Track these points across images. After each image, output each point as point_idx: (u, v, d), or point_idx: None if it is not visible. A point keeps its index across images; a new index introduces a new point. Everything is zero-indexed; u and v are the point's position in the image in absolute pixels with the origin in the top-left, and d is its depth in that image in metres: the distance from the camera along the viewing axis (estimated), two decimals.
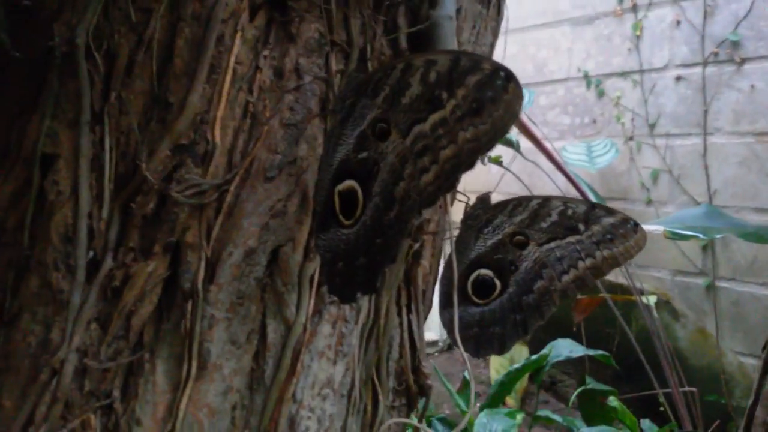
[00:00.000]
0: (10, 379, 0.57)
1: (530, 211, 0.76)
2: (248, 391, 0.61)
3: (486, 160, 1.09)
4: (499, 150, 2.43)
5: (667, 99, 2.45)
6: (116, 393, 0.57)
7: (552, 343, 2.13)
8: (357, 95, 0.58)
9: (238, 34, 0.61)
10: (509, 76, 0.49)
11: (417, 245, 0.71)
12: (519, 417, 1.95)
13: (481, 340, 0.76)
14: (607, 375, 2.46)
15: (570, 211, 0.75)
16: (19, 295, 0.59)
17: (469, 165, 0.52)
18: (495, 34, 0.82)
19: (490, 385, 2.32)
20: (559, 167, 2.17)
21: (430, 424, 1.90)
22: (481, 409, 2.00)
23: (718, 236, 1.42)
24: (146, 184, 0.58)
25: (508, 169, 2.30)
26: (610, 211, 0.75)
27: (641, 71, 2.51)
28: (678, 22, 2.37)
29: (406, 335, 0.72)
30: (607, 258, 0.74)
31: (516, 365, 2.15)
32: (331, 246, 0.58)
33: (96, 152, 0.59)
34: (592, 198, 2.16)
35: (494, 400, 2.10)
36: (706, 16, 2.30)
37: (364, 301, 0.66)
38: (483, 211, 0.77)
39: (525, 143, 2.15)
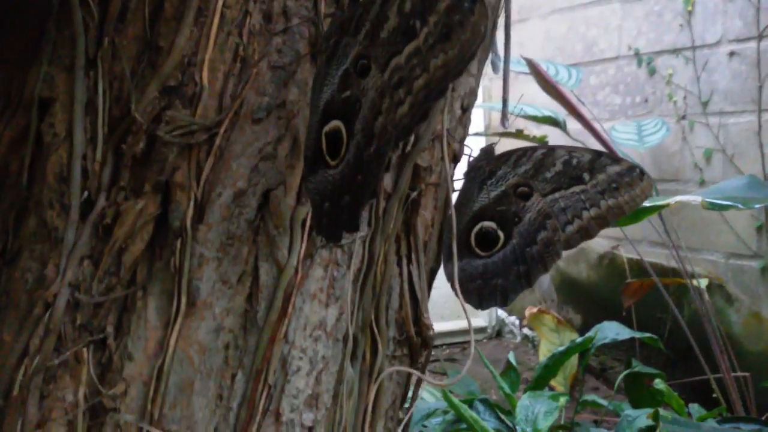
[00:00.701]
0: (10, 314, 0.60)
1: (534, 161, 0.75)
2: (242, 331, 0.63)
3: (507, 123, 1.08)
4: (546, 129, 2.40)
5: (721, 75, 2.37)
6: (110, 329, 0.59)
7: (598, 325, 2.10)
8: (341, 33, 0.59)
9: None
10: None
11: (414, 194, 0.71)
12: (562, 400, 1.91)
13: (483, 292, 0.75)
14: (659, 361, 2.40)
15: (575, 161, 0.74)
16: (19, 235, 0.61)
17: (440, 93, 0.52)
18: None
19: None
20: (608, 147, 2.13)
21: (471, 405, 1.89)
22: (525, 391, 1.98)
23: (757, 206, 1.37)
24: (136, 124, 0.59)
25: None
26: (616, 160, 0.73)
27: (693, 48, 2.43)
28: None
29: (406, 285, 0.72)
30: (612, 207, 0.73)
31: (561, 348, 2.12)
32: (320, 188, 0.59)
33: (90, 96, 0.61)
34: None
35: (538, 383, 2.07)
36: None
37: (357, 246, 0.67)
38: (486, 162, 0.76)
39: (574, 124, 2.12)
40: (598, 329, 2.09)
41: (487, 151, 0.77)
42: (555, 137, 2.32)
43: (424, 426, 1.80)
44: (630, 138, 2.38)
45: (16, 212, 0.62)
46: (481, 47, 0.79)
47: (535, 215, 0.74)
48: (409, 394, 0.78)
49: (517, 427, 1.80)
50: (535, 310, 2.64)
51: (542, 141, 2.27)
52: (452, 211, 0.71)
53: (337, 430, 0.66)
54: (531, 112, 2.30)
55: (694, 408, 1.99)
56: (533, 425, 1.81)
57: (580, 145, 2.19)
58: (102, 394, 0.58)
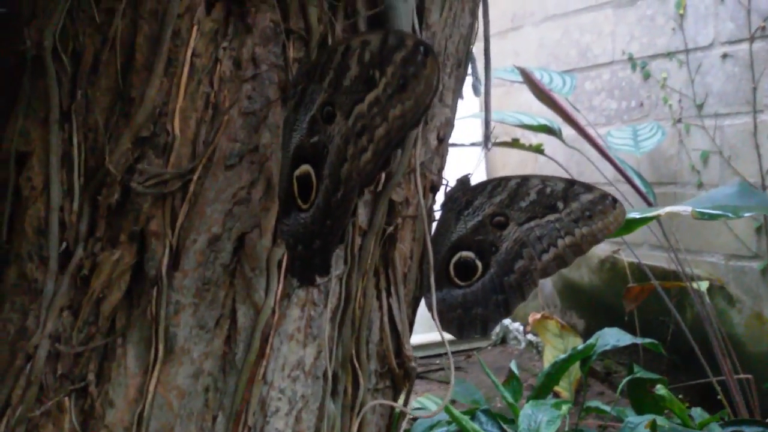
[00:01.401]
0: None
1: (509, 190, 0.76)
2: (221, 373, 0.63)
3: (490, 145, 1.09)
4: (542, 138, 2.40)
5: (714, 78, 2.37)
6: (91, 377, 0.60)
7: (599, 332, 2.10)
8: (307, 80, 0.60)
9: (195, 28, 0.63)
10: (427, 51, 0.50)
11: (391, 228, 0.71)
12: (565, 408, 1.92)
13: (464, 321, 0.76)
14: (662, 364, 2.40)
15: (548, 189, 0.75)
16: (1, 287, 0.62)
17: (399, 142, 0.53)
18: (473, 15, 0.81)
19: None
20: (603, 153, 2.14)
21: (473, 417, 1.90)
22: (528, 400, 1.98)
23: (747, 215, 1.37)
24: (110, 176, 0.60)
25: (552, 159, 2.28)
26: (589, 188, 0.74)
27: (686, 51, 2.43)
28: None
29: (386, 318, 0.73)
30: (586, 235, 0.74)
31: (562, 356, 2.12)
32: (293, 230, 0.60)
33: (66, 148, 0.62)
34: (639, 184, 2.11)
35: (541, 390, 2.07)
36: None
37: (334, 284, 0.68)
38: (462, 192, 0.77)
39: (570, 131, 2.12)
40: (599, 336, 2.10)
41: (463, 182, 0.78)
42: (551, 145, 2.33)
43: None
44: (626, 143, 2.38)
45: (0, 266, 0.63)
46: (455, 75, 0.81)
47: (511, 244, 0.75)
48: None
49: None
50: (538, 316, 2.64)
51: (538, 149, 2.28)
52: (429, 245, 0.72)
53: None
54: (526, 120, 2.31)
55: (697, 412, 1.99)
56: None
57: (576, 152, 2.20)
58: None
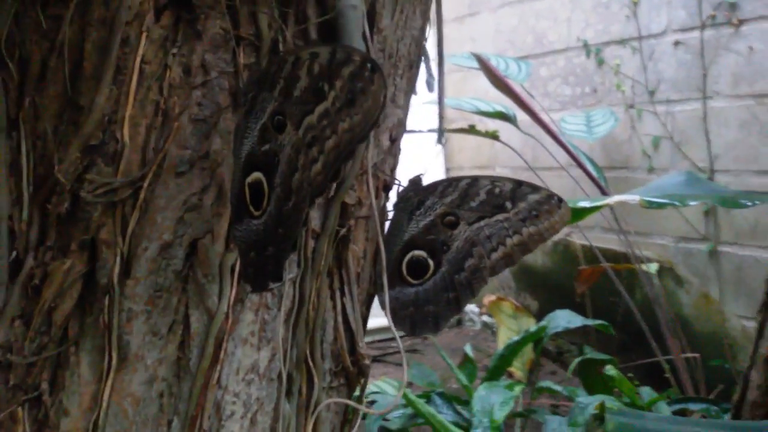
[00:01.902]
0: None
1: (460, 191, 0.77)
2: (176, 379, 0.64)
3: (444, 140, 1.10)
4: (499, 123, 2.42)
5: (666, 65, 2.41)
6: (44, 386, 0.60)
7: (550, 314, 2.15)
8: (258, 88, 0.60)
9: (144, 35, 0.63)
10: (374, 67, 0.50)
11: (344, 230, 0.72)
12: (518, 389, 1.96)
13: (416, 318, 0.77)
14: (613, 344, 2.46)
15: (497, 190, 0.76)
16: None
17: (349, 154, 0.54)
18: (424, 17, 0.82)
19: None
20: (556, 138, 2.17)
21: (429, 400, 1.93)
22: (482, 381, 2.02)
23: (694, 203, 1.42)
24: (59, 185, 0.60)
25: (507, 145, 2.30)
26: (535, 188, 0.76)
27: (640, 38, 2.47)
28: None
29: (340, 318, 0.74)
30: (533, 234, 0.75)
31: (515, 338, 2.16)
32: (245, 237, 0.60)
33: (14, 156, 0.62)
34: (590, 168, 2.15)
35: (495, 372, 2.12)
36: None
37: (288, 288, 0.68)
38: (414, 193, 0.78)
39: (525, 116, 2.15)
40: (551, 318, 2.15)
41: (415, 182, 0.79)
42: (507, 130, 2.35)
43: (385, 420, 1.84)
44: (579, 129, 2.42)
45: None
46: (407, 76, 0.81)
47: (462, 243, 0.77)
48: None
49: (473, 419, 1.84)
50: (493, 297, 2.68)
51: (494, 135, 2.30)
52: (382, 246, 0.73)
53: None
54: (482, 107, 2.33)
55: (646, 391, 2.05)
56: (490, 416, 1.85)
57: (530, 137, 2.22)
58: None
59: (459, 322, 3.11)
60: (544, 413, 2.16)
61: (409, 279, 0.77)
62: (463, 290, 0.77)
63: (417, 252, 0.77)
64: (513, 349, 2.11)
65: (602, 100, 2.65)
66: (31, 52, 0.63)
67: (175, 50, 0.64)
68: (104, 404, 0.60)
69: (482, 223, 0.76)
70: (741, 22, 2.18)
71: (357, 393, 0.78)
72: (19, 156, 0.61)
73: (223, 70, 0.64)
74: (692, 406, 1.93)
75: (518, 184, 0.76)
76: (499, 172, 2.99)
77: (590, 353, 2.08)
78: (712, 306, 2.30)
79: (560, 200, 0.75)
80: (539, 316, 2.65)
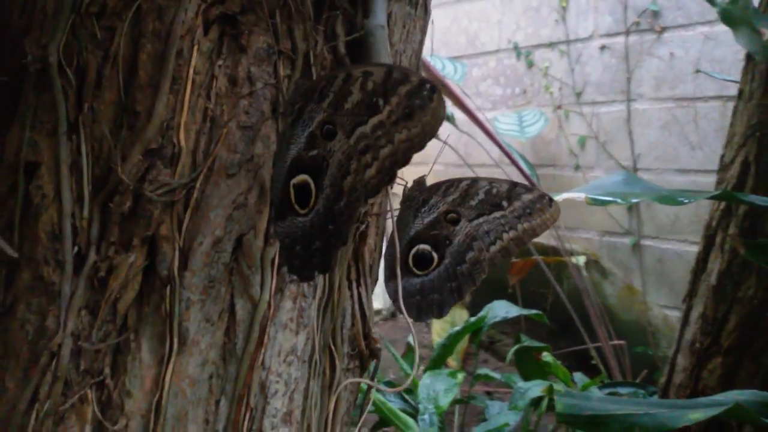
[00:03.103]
0: (11, 363, 0.66)
1: (461, 191, 0.87)
2: (222, 362, 0.71)
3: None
4: None
5: (593, 68, 2.60)
6: (107, 370, 0.67)
7: (489, 305, 2.28)
8: (305, 100, 0.68)
9: (195, 48, 0.70)
10: (433, 88, 0.60)
11: (363, 226, 0.81)
12: (460, 376, 2.09)
13: (422, 306, 0.87)
14: (542, 333, 2.63)
15: (495, 190, 0.87)
16: (13, 289, 0.67)
17: (405, 161, 0.63)
18: (423, 32, 0.92)
19: (433, 348, 2.47)
20: (492, 137, 2.31)
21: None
22: (425, 371, 2.14)
23: (635, 201, 1.57)
24: (122, 185, 0.66)
25: (444, 142, 2.42)
26: (529, 189, 0.87)
27: (568, 41, 2.65)
28: None
29: (356, 306, 0.83)
30: (527, 229, 0.86)
31: (456, 328, 2.29)
32: (289, 232, 0.68)
33: (74, 158, 0.67)
34: (524, 166, 2.30)
35: (437, 361, 2.24)
36: None
37: (319, 278, 0.77)
38: (419, 192, 0.88)
39: (460, 115, 2.27)
40: (489, 308, 2.28)
41: (420, 183, 0.88)
42: (443, 128, 2.47)
43: None
44: (512, 129, 2.57)
45: (7, 267, 0.67)
46: None
47: (463, 238, 0.87)
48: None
49: (420, 405, 1.95)
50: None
51: None
52: (397, 241, 0.82)
53: None
54: None
55: (578, 376, 2.22)
56: (435, 402, 1.97)
57: (467, 136, 2.35)
58: (107, 429, 0.65)
59: (393, 315, 3.23)
60: (484, 399, 2.30)
61: (415, 270, 0.87)
62: (464, 280, 0.87)
63: (422, 246, 0.87)
64: (454, 339, 2.23)
65: (531, 101, 2.81)
66: (88, 61, 0.68)
67: (220, 62, 0.71)
68: (166, 386, 0.67)
69: (481, 219, 0.87)
70: (663, 29, 2.38)
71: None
72: (79, 158, 0.67)
73: (267, 81, 0.72)
74: (621, 390, 2.10)
75: (513, 185, 0.87)
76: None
77: (527, 341, 2.23)
78: (635, 296, 2.51)
79: (551, 200, 0.86)
80: (472, 308, 2.80)
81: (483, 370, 2.32)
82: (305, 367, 0.77)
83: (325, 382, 0.80)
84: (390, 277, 0.86)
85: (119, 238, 0.67)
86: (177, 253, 0.68)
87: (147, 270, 0.68)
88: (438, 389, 2.01)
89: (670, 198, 1.44)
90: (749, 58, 1.81)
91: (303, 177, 0.68)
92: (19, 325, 0.66)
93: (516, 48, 2.80)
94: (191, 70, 0.69)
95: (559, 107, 2.70)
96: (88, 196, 0.67)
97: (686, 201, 1.39)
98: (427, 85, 0.59)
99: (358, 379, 0.84)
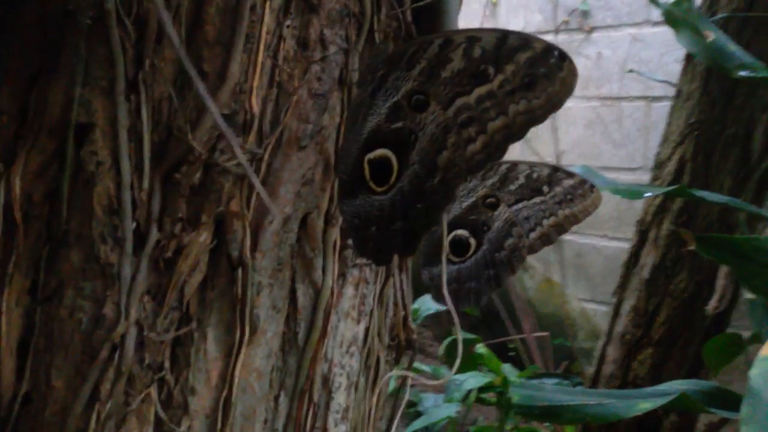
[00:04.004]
0: (57, 358, 0.57)
1: (500, 174, 0.85)
2: (281, 353, 0.65)
3: None
4: None
5: None
6: (167, 364, 0.59)
7: (420, 299, 2.28)
8: (388, 67, 0.63)
9: (267, 3, 0.63)
10: (563, 55, 0.56)
11: None
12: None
13: (459, 294, 0.84)
14: (464, 326, 2.65)
15: (535, 175, 0.85)
16: (57, 271, 0.58)
17: (520, 135, 0.59)
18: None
19: None
20: None
21: None
22: None
23: None
24: (192, 154, 0.59)
25: None
26: (569, 174, 0.85)
27: None
28: None
29: (398, 293, 0.79)
30: (568, 216, 0.85)
31: None
32: (361, 212, 0.63)
33: (132, 121, 0.59)
34: None
35: None
36: None
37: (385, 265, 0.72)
38: None
39: None
40: (421, 302, 2.28)
41: None
42: None
43: None
44: None
45: (51, 246, 0.58)
46: None
47: (502, 224, 0.84)
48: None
49: None
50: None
51: None
52: (444, 225, 0.79)
53: None
54: None
55: (507, 368, 2.26)
56: None
57: None
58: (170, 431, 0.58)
59: None
60: (416, 393, 2.29)
61: (452, 257, 0.84)
62: (502, 267, 0.84)
63: (460, 231, 0.84)
64: None
65: None
66: (148, 10, 0.60)
67: (288, 22, 0.65)
68: (235, 380, 0.60)
69: (521, 205, 0.85)
70: (592, 29, 2.46)
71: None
72: (138, 121, 0.59)
73: (340, 46, 0.66)
74: (546, 381, 2.16)
75: (554, 169, 0.85)
76: None
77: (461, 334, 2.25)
78: (554, 289, 2.58)
79: (592, 186, 0.85)
80: None
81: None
82: (360, 359, 0.72)
83: (370, 374, 0.75)
84: (426, 263, 0.82)
85: (187, 213, 0.60)
86: (248, 231, 0.61)
87: (213, 251, 0.61)
88: None
89: (632, 191, 1.48)
90: (689, 58, 1.89)
91: (382, 151, 0.63)
92: (67, 313, 0.57)
93: None
94: (264, 28, 0.62)
95: None
96: (148, 166, 0.59)
97: (648, 194, 1.44)
98: (556, 52, 0.56)
99: (402, 372, 0.79)
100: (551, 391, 1.70)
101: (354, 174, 0.63)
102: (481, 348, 2.19)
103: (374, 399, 0.76)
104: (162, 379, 0.59)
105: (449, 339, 2.25)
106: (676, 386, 1.48)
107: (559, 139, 2.51)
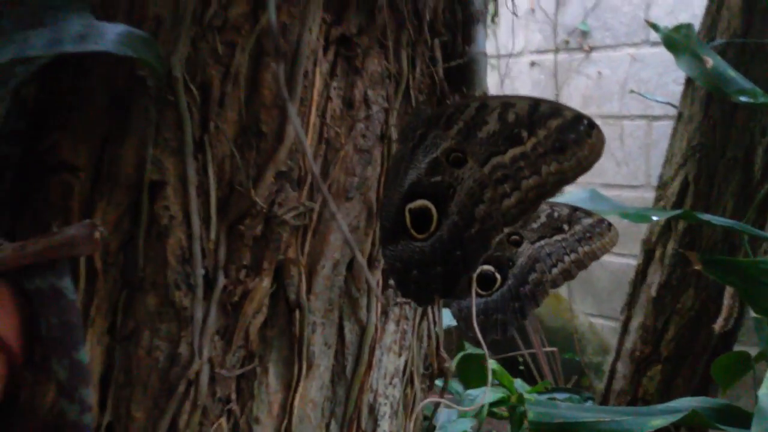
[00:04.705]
0: (137, 392, 0.64)
1: None
2: (331, 384, 0.72)
3: None
4: None
5: (522, 83, 2.73)
6: (233, 396, 0.66)
7: None
8: (427, 126, 0.71)
9: (317, 69, 0.70)
10: (592, 123, 0.64)
11: None
12: None
13: (486, 326, 0.91)
14: (472, 340, 2.72)
15: (556, 214, 0.92)
16: (134, 313, 0.65)
17: (553, 193, 0.67)
18: None
19: None
20: None
21: None
22: None
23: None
24: (254, 208, 0.66)
25: None
26: (588, 213, 0.93)
27: (498, 56, 2.76)
28: (533, 10, 2.65)
29: (432, 325, 0.86)
30: (587, 252, 0.92)
31: None
32: (402, 256, 0.71)
33: (199, 179, 0.66)
34: None
35: None
36: (558, 6, 2.59)
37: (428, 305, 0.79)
38: None
39: None
40: None
41: None
42: None
43: None
44: None
45: (128, 291, 0.65)
46: None
47: (525, 260, 0.92)
48: None
49: None
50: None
51: None
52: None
53: None
54: None
55: (518, 383, 2.33)
56: None
57: None
58: None
59: None
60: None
61: (479, 291, 0.91)
62: (527, 301, 0.92)
63: (486, 267, 0.91)
64: None
65: None
66: (210, 77, 0.68)
67: (335, 84, 0.72)
68: (295, 410, 0.67)
69: (543, 242, 0.92)
70: (591, 48, 2.54)
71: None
72: (205, 178, 0.66)
73: (381, 105, 0.74)
74: (558, 396, 2.23)
75: (574, 209, 0.93)
76: None
77: (470, 349, 2.32)
78: (562, 304, 2.65)
79: (610, 225, 0.93)
80: None
81: None
82: (402, 388, 0.79)
83: (407, 401, 0.82)
84: (458, 297, 0.89)
85: (250, 261, 0.67)
86: (304, 276, 0.68)
87: (273, 295, 0.69)
88: None
89: (636, 215, 1.56)
90: (689, 82, 1.97)
91: (422, 202, 0.70)
92: (144, 352, 0.65)
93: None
94: (316, 92, 0.70)
95: None
96: (215, 219, 0.66)
97: (656, 218, 1.51)
98: (585, 121, 0.64)
99: (436, 399, 0.87)
100: (566, 408, 1.77)
101: (396, 222, 0.71)
102: (493, 364, 2.26)
103: (411, 425, 0.83)
104: (230, 411, 0.66)
105: (460, 354, 2.32)
106: (686, 403, 1.55)
107: None
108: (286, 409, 0.68)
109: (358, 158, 0.73)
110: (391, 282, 0.77)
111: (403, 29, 0.75)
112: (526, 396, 1.89)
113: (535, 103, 0.66)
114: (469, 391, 2.16)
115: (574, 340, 2.60)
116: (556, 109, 0.65)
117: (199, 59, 0.68)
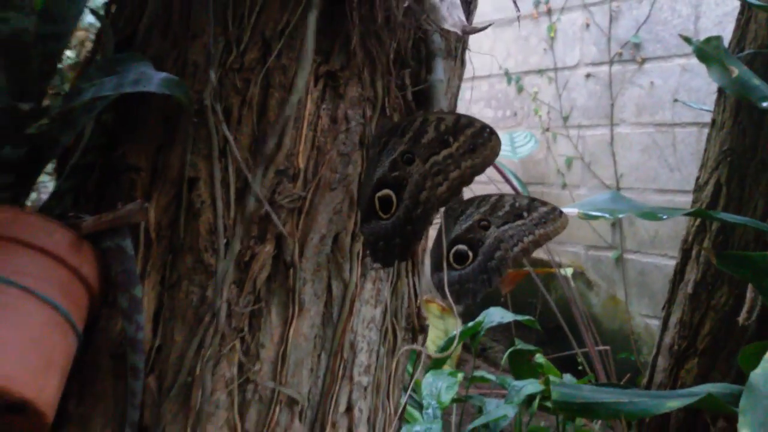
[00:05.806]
0: (177, 323, 0.96)
1: (490, 204, 1.19)
2: (322, 326, 1.02)
3: None
4: None
5: (578, 94, 2.95)
6: (246, 328, 0.97)
7: (485, 311, 2.60)
8: (389, 135, 1.00)
9: (309, 96, 1.01)
10: (492, 131, 0.91)
11: None
12: (459, 376, 2.40)
13: (460, 293, 1.18)
14: (531, 340, 2.96)
15: (517, 204, 1.19)
16: (177, 269, 0.97)
17: (469, 182, 0.95)
18: (460, 78, 1.24)
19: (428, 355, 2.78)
20: None
21: None
22: (426, 371, 2.45)
23: (622, 216, 1.90)
24: (258, 197, 0.97)
25: None
26: (544, 203, 1.19)
27: (555, 69, 3.00)
28: (587, 25, 2.87)
29: (411, 290, 1.14)
30: (542, 234, 1.18)
31: (454, 332, 2.60)
32: (373, 232, 1.00)
33: (222, 175, 0.98)
34: (516, 184, 2.63)
35: (438, 363, 2.55)
36: (611, 21, 2.81)
37: (390, 267, 1.08)
38: (458, 205, 1.19)
39: None
40: (486, 314, 2.60)
41: (459, 198, 1.20)
42: None
43: None
44: (504, 149, 2.91)
45: (173, 254, 0.98)
46: None
47: (492, 240, 1.19)
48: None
49: (423, 401, 2.26)
50: (423, 299, 3.11)
51: None
52: (444, 243, 1.14)
53: (378, 388, 1.07)
54: None
55: (567, 377, 2.54)
56: (437, 398, 2.28)
57: None
58: (248, 371, 0.96)
59: None
60: (481, 398, 2.62)
61: (455, 265, 1.18)
62: (493, 273, 1.19)
63: (460, 246, 1.18)
64: (451, 343, 2.55)
65: (521, 123, 3.16)
66: (231, 104, 0.99)
67: (324, 105, 1.03)
68: (290, 339, 0.97)
69: (507, 226, 1.19)
70: (644, 60, 2.74)
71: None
72: (227, 175, 0.98)
73: (358, 121, 1.04)
74: (605, 390, 2.42)
75: (532, 200, 1.19)
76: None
77: (520, 344, 2.56)
78: (618, 306, 2.85)
79: (561, 212, 1.18)
80: (464, 316, 3.12)
81: (479, 373, 2.64)
82: (379, 333, 1.08)
83: (389, 347, 1.11)
84: (435, 270, 1.17)
85: (257, 233, 0.98)
86: (297, 245, 0.99)
87: (274, 257, 0.99)
88: (440, 386, 2.32)
89: (651, 214, 1.78)
90: (720, 91, 2.16)
91: (386, 191, 0.99)
92: (184, 295, 0.96)
93: (507, 74, 3.15)
94: (307, 113, 1.00)
95: (548, 129, 3.05)
96: (233, 203, 0.98)
97: (664, 217, 1.73)
98: (487, 129, 0.91)
99: (413, 346, 1.15)
100: (588, 390, 2.00)
101: (368, 206, 1.00)
102: (540, 358, 2.50)
103: (393, 364, 1.11)
104: (243, 338, 0.97)
105: (511, 349, 2.57)
106: (705, 388, 1.73)
107: (617, 163, 2.80)
108: (284, 338, 0.98)
109: (340, 160, 1.03)
110: (368, 252, 1.06)
111: (375, 66, 1.05)
112: (552, 379, 2.11)
113: (457, 117, 0.94)
114: (515, 383, 2.40)
115: (630, 341, 2.79)
116: (470, 121, 0.93)
117: (223, 91, 1.00)
